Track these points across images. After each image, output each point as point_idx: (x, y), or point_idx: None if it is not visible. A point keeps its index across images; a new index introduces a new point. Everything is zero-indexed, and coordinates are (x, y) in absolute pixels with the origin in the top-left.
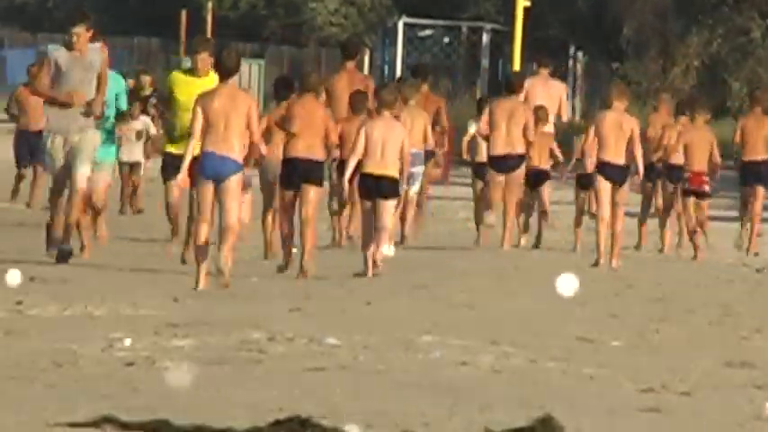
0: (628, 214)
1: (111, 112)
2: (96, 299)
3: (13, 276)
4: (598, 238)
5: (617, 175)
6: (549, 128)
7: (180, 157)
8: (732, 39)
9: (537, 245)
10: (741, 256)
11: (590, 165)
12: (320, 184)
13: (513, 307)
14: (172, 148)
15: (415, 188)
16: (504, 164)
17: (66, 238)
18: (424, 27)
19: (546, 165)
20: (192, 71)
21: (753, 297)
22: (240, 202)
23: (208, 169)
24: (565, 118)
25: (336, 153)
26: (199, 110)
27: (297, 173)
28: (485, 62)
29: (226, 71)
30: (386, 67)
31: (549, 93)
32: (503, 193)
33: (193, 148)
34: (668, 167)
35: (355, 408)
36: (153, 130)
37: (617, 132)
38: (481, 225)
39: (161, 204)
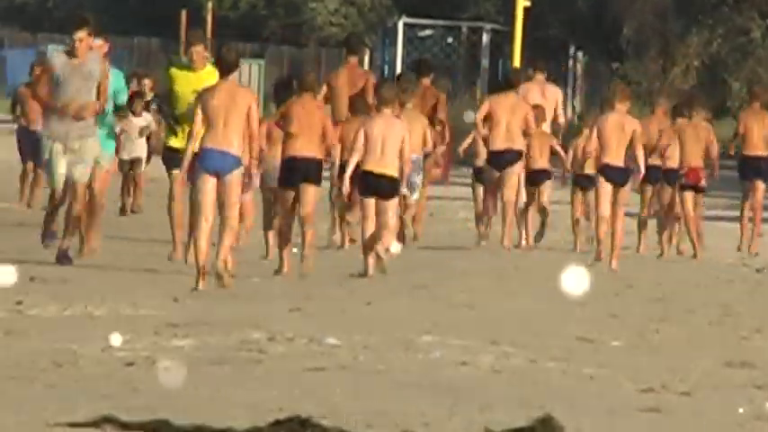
0: (628, 214)
1: (110, 107)
2: (96, 299)
3: (8, 274)
4: (598, 236)
5: (618, 176)
6: (546, 128)
7: (181, 151)
8: (732, 39)
9: (538, 239)
10: (741, 256)
11: (590, 166)
12: (318, 183)
13: (513, 307)
14: (174, 142)
15: (415, 196)
16: (502, 158)
17: (66, 239)
18: (424, 27)
19: (546, 164)
20: (188, 65)
21: (753, 297)
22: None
23: (208, 165)
24: (561, 120)
25: (337, 153)
26: (199, 106)
27: (296, 171)
28: (485, 62)
29: (226, 67)
30: (386, 67)
31: (545, 97)
32: (501, 191)
33: (193, 146)
34: (665, 172)
35: (355, 408)
36: (154, 127)
37: (619, 134)
38: (480, 224)
39: (161, 204)
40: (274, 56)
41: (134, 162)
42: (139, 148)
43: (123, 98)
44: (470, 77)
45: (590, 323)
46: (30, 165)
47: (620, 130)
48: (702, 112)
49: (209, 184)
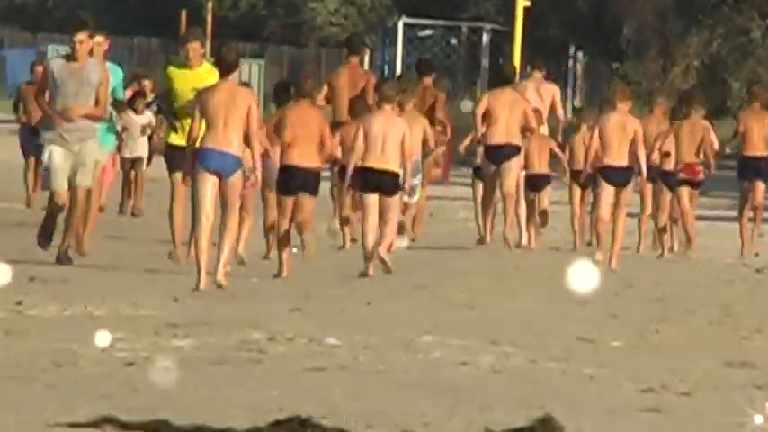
0: (628, 215)
1: (109, 104)
2: (96, 299)
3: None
4: (598, 236)
5: (619, 177)
6: (544, 130)
7: (182, 148)
8: (732, 39)
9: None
10: (741, 256)
11: (590, 166)
12: (316, 193)
13: (513, 307)
14: (175, 139)
15: (415, 199)
16: (500, 152)
17: (66, 239)
18: (424, 27)
19: (546, 169)
20: (185, 63)
21: (753, 297)
22: (239, 203)
23: (208, 164)
24: (560, 112)
25: (338, 154)
26: (198, 106)
27: (293, 181)
28: (485, 62)
29: (226, 66)
30: (386, 68)
31: (542, 94)
32: (501, 184)
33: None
34: (663, 174)
35: (355, 408)
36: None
37: (620, 135)
38: (485, 215)
39: (162, 204)
40: (274, 56)
41: (135, 161)
42: (141, 148)
43: (121, 94)
44: (470, 77)
45: (590, 323)
46: (32, 160)
47: (621, 130)
48: (701, 110)
49: (209, 182)
